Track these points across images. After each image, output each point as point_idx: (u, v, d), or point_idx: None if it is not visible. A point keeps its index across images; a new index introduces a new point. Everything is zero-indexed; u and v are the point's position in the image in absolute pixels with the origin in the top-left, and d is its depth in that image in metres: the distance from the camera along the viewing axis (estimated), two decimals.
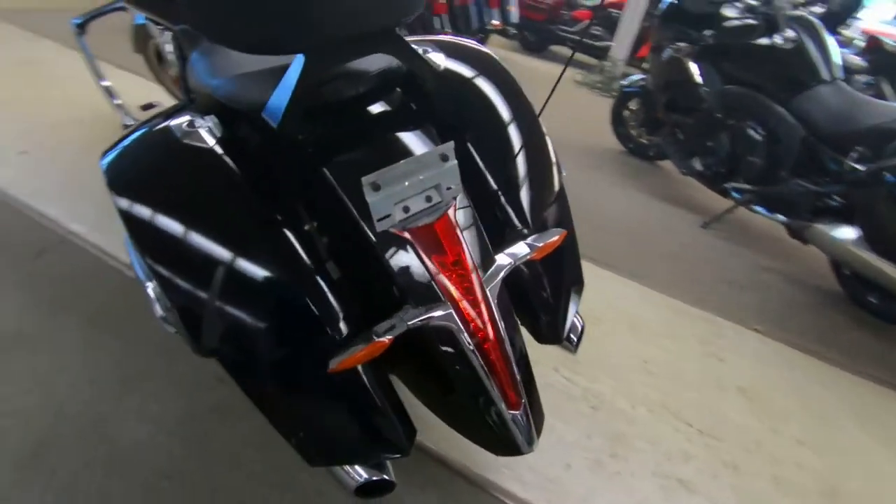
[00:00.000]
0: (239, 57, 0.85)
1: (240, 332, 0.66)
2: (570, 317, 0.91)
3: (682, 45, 2.39)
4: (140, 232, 0.65)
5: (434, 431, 1.11)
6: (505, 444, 0.75)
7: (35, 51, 3.08)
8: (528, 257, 0.76)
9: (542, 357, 1.43)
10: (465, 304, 0.69)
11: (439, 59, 0.87)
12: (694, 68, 2.34)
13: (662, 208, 2.60)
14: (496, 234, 0.79)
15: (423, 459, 1.13)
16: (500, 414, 0.72)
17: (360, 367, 0.71)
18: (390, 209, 0.66)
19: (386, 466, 0.76)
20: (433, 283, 0.68)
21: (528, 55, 5.95)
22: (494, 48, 5.64)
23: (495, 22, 4.63)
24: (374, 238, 0.67)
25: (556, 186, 0.89)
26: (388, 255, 0.68)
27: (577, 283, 0.94)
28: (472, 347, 0.69)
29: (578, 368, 1.43)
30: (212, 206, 0.68)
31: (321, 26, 0.60)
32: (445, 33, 4.15)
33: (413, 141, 0.73)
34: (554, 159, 0.92)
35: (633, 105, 3.02)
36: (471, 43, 0.97)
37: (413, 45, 0.72)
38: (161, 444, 1.08)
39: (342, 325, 0.68)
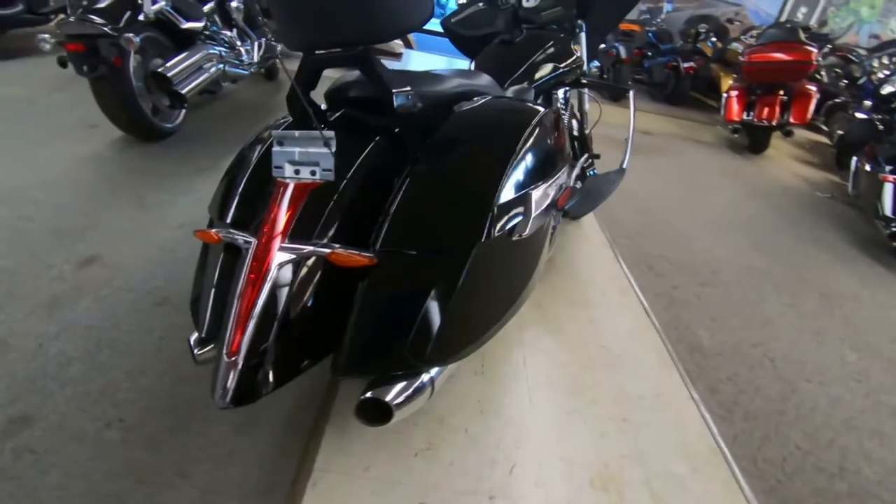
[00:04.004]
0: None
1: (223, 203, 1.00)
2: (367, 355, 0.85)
3: None
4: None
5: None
6: (212, 382, 0.79)
7: None
8: (324, 255, 0.83)
9: None
10: (259, 247, 0.82)
11: (475, 103, 1.11)
12: None
13: None
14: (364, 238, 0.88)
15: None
16: (219, 352, 0.79)
17: (219, 263, 0.93)
18: (283, 163, 0.85)
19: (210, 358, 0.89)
20: (262, 220, 0.85)
21: None
22: None
23: None
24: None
25: (444, 239, 0.89)
26: (268, 192, 0.88)
27: (413, 352, 0.84)
28: (242, 283, 0.80)
29: None
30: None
31: (301, 36, 0.90)
32: None
33: (345, 135, 0.87)
34: (478, 220, 0.88)
35: None
36: (522, 101, 1.27)
37: (381, 71, 0.90)
38: None
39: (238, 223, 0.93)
